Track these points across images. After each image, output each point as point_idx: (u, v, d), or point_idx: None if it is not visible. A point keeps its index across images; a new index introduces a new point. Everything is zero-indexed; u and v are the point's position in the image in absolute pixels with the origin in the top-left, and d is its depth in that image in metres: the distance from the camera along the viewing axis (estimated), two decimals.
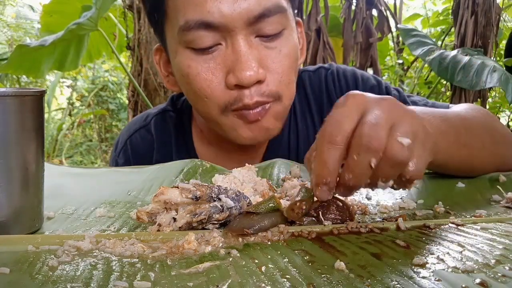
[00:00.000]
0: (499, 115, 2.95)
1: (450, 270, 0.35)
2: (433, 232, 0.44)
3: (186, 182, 0.46)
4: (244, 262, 0.37)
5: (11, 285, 0.34)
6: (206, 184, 0.46)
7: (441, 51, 1.94)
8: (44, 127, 0.48)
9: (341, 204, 0.47)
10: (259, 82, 0.67)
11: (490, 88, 2.55)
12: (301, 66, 0.83)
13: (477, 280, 0.33)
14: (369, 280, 0.33)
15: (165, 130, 0.87)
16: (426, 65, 2.57)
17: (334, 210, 0.47)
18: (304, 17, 2.10)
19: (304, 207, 0.45)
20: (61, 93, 5.12)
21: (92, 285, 0.33)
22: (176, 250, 0.40)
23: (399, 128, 0.43)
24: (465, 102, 2.13)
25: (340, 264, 0.35)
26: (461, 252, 0.38)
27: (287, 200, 0.52)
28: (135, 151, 0.88)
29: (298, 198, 0.46)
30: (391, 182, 0.45)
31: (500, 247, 0.39)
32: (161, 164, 0.70)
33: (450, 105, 0.80)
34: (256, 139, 0.72)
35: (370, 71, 2.24)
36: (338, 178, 0.44)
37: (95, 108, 4.60)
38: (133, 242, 0.41)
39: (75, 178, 0.68)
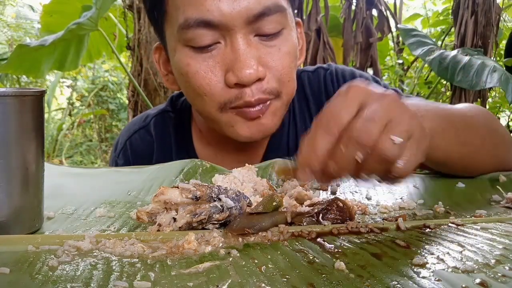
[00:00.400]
0: (499, 115, 2.95)
1: (450, 270, 0.35)
2: (433, 232, 0.44)
3: (186, 182, 0.46)
4: (244, 262, 0.37)
5: (11, 285, 0.34)
6: (206, 184, 0.46)
7: (441, 51, 1.94)
8: (44, 127, 0.48)
9: (341, 204, 0.47)
10: (259, 80, 0.67)
11: (490, 88, 2.55)
12: (300, 66, 0.83)
13: (477, 280, 0.33)
14: (369, 280, 0.33)
15: (165, 131, 0.87)
16: (426, 65, 2.57)
17: (334, 210, 0.47)
18: (304, 17, 2.10)
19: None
20: (61, 93, 5.12)
21: (92, 285, 0.33)
22: (176, 250, 0.40)
23: (394, 126, 0.43)
24: (465, 102, 2.13)
25: (340, 264, 0.35)
26: (461, 252, 0.38)
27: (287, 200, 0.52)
28: (134, 151, 0.88)
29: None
30: (374, 176, 0.44)
31: (500, 247, 0.39)
32: (161, 164, 0.70)
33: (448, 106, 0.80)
34: (253, 137, 0.71)
35: (370, 71, 2.24)
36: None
37: (95, 108, 4.60)
38: (133, 242, 0.41)
39: (75, 178, 0.68)
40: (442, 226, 0.45)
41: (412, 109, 0.47)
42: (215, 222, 0.45)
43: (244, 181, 0.57)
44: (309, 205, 0.49)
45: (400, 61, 3.16)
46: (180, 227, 0.44)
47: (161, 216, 0.45)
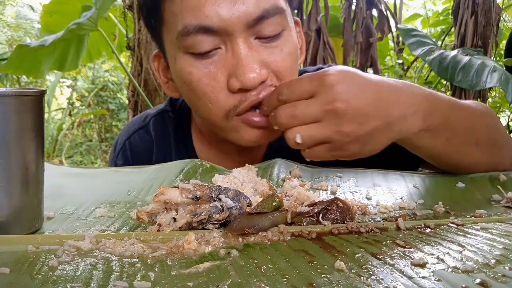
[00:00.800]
0: (499, 115, 2.94)
1: (450, 270, 0.35)
2: (433, 232, 0.44)
3: (186, 182, 0.46)
4: (244, 262, 0.37)
5: (11, 285, 0.34)
6: (206, 184, 0.46)
7: (441, 51, 1.94)
8: (44, 127, 0.48)
9: (341, 204, 0.47)
10: (263, 82, 0.66)
11: (490, 88, 2.55)
12: (301, 66, 0.82)
13: (477, 280, 0.33)
14: (369, 280, 0.33)
15: (164, 131, 0.87)
16: (426, 65, 2.57)
17: (334, 210, 0.47)
18: (304, 17, 2.10)
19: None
20: (61, 93, 5.12)
21: (92, 285, 0.33)
22: (176, 250, 0.40)
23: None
24: None
25: (340, 264, 0.35)
26: (461, 252, 0.38)
27: (287, 200, 0.52)
28: (134, 151, 0.87)
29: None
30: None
31: (500, 247, 0.39)
32: (161, 164, 0.70)
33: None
34: (258, 142, 0.70)
35: (370, 71, 2.24)
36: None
37: (95, 108, 4.60)
38: (133, 242, 0.41)
39: (75, 178, 0.68)
40: (442, 226, 0.45)
41: (369, 79, 0.58)
42: (215, 222, 0.45)
43: (244, 181, 0.57)
44: (309, 205, 0.49)
45: (400, 61, 3.16)
46: (180, 227, 0.44)
47: (161, 216, 0.45)
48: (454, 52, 1.94)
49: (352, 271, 0.35)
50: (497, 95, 3.11)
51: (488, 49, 2.17)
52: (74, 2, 2.15)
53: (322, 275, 0.34)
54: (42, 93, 0.46)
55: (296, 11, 2.11)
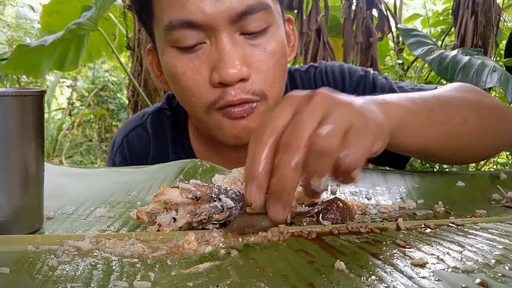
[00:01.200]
0: None
1: (450, 270, 0.35)
2: (433, 232, 0.44)
3: (186, 182, 0.46)
4: (244, 262, 0.37)
5: (11, 285, 0.34)
6: (206, 184, 0.46)
7: (441, 51, 1.94)
8: (44, 127, 0.48)
9: (341, 204, 0.47)
10: (243, 80, 0.67)
11: (490, 88, 2.55)
12: (297, 64, 0.82)
13: (477, 280, 0.32)
14: (369, 280, 0.33)
15: (161, 128, 0.88)
16: (426, 65, 2.57)
17: (334, 210, 0.47)
18: (304, 17, 2.10)
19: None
20: (61, 93, 5.12)
21: (92, 285, 0.33)
22: (176, 250, 0.40)
23: (325, 120, 0.41)
24: None
25: (340, 264, 0.35)
26: (461, 252, 0.38)
27: None
28: (131, 149, 0.88)
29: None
30: (327, 178, 0.42)
31: (500, 247, 0.39)
32: (161, 164, 0.70)
33: (438, 86, 0.79)
34: (241, 138, 0.71)
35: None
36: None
37: (95, 108, 4.60)
38: (133, 242, 0.41)
39: (75, 178, 0.68)
40: (442, 226, 0.45)
41: (350, 100, 0.45)
42: (215, 222, 0.45)
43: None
44: (309, 205, 0.49)
45: (400, 61, 3.15)
46: (180, 227, 0.44)
47: (161, 216, 0.45)
48: (454, 52, 1.94)
49: (352, 271, 0.35)
50: (497, 95, 3.11)
51: (488, 49, 2.16)
52: (74, 2, 2.15)
53: (322, 275, 0.34)
54: (42, 93, 0.46)
55: (296, 11, 2.11)
